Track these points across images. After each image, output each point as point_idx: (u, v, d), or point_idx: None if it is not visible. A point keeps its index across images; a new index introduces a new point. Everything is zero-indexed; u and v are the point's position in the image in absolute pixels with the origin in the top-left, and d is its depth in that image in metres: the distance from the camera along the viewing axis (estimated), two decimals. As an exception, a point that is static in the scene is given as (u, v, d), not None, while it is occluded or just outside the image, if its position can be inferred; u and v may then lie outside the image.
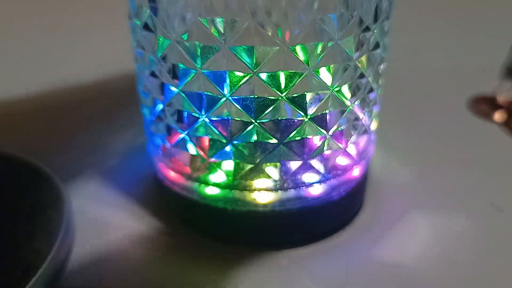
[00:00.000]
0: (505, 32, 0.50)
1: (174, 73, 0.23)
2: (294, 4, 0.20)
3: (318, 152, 0.23)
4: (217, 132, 0.23)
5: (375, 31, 0.23)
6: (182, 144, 0.24)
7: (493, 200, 0.29)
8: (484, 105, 0.40)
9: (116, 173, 0.32)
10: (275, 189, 0.24)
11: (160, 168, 0.26)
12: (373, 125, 0.26)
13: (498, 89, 0.41)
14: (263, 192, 0.24)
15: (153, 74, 0.24)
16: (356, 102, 0.24)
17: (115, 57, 0.45)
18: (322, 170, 0.24)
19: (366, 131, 0.25)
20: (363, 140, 0.25)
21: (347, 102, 0.23)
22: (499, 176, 0.31)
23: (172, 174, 0.25)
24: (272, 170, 0.23)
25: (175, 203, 0.26)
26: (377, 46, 0.23)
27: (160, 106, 0.24)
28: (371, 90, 0.24)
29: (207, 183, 0.24)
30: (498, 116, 0.38)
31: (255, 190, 0.24)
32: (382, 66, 0.25)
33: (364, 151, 0.26)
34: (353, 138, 0.24)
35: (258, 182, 0.24)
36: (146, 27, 0.23)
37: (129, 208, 0.29)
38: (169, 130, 0.25)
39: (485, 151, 0.34)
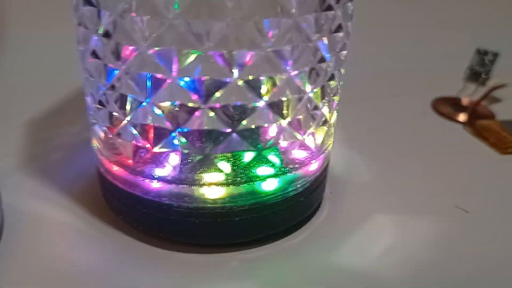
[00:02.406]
0: (470, 35, 0.50)
1: (117, 53, 0.20)
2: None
3: (273, 143, 0.22)
4: (162, 118, 0.20)
5: (338, 11, 0.21)
6: (124, 132, 0.22)
7: (458, 201, 0.27)
8: (448, 106, 0.39)
9: (57, 168, 0.29)
10: (226, 184, 0.22)
11: (102, 161, 0.24)
12: (333, 117, 0.24)
13: (462, 92, 0.40)
14: (212, 187, 0.22)
15: (94, 55, 0.21)
16: (315, 90, 0.22)
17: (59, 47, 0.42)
18: (277, 162, 0.22)
19: (325, 122, 0.23)
20: (322, 132, 0.24)
21: (306, 89, 0.21)
22: (463, 177, 0.30)
23: (114, 168, 0.23)
24: (223, 162, 0.21)
25: (117, 199, 0.24)
26: (339, 28, 0.22)
27: (102, 91, 0.22)
28: (332, 77, 0.23)
29: (152, 177, 0.22)
30: (463, 117, 0.37)
31: (204, 184, 0.21)
32: (344, 53, 0.23)
33: (323, 144, 0.24)
34: (311, 129, 0.23)
35: (207, 176, 0.21)
36: (87, 1, 0.20)
37: (68, 205, 0.26)
38: (111, 118, 0.22)
39: (449, 151, 0.33)
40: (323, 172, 0.25)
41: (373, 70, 0.46)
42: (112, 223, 0.25)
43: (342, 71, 0.24)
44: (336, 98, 0.24)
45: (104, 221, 0.25)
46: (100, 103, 0.22)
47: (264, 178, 0.22)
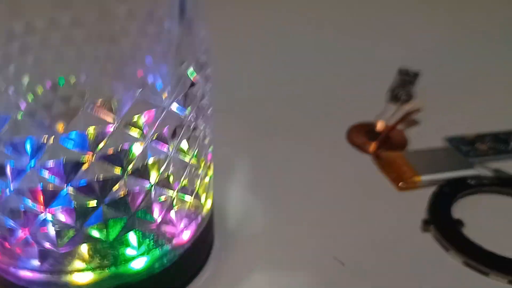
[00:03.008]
0: (393, 54, 0.49)
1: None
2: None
3: (127, 230, 0.23)
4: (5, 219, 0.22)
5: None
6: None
7: (342, 251, 0.28)
8: (363, 134, 0.38)
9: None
10: (90, 269, 0.23)
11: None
12: (203, 184, 0.25)
13: (381, 116, 0.39)
14: (77, 273, 0.23)
15: None
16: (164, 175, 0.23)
17: None
18: (134, 244, 0.23)
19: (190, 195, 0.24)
20: (187, 204, 0.25)
21: (151, 181, 0.22)
22: (354, 221, 0.30)
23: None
24: (83, 250, 0.23)
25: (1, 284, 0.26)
26: (193, 85, 0.22)
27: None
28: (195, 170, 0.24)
29: (18, 267, 0.23)
30: (371, 147, 0.36)
31: (67, 272, 0.23)
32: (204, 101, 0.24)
33: (195, 212, 0.25)
34: (174, 208, 0.24)
35: (71, 264, 0.23)
36: None
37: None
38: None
39: (352, 191, 0.33)
40: (200, 238, 0.26)
41: (283, 95, 0.43)
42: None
43: (210, 149, 0.25)
44: (206, 175, 0.25)
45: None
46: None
47: (127, 259, 0.23)
